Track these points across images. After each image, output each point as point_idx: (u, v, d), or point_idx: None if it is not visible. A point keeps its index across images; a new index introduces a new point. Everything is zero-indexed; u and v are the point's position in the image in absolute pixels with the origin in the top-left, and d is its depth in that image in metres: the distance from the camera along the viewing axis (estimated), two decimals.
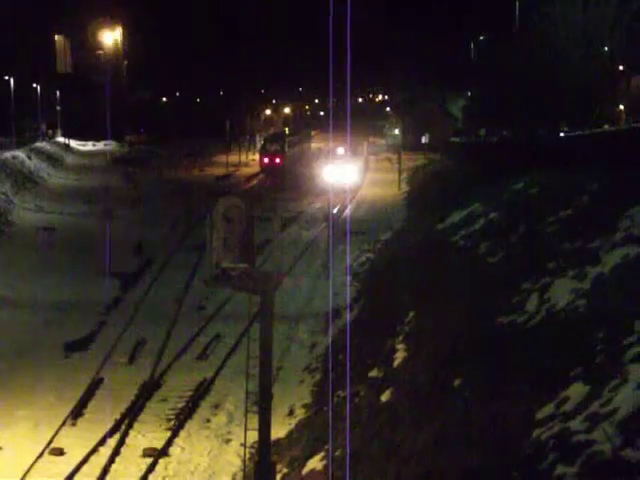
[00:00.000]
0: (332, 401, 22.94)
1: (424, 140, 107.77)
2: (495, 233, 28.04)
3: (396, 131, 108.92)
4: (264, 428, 13.78)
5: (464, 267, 26.25)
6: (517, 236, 25.49)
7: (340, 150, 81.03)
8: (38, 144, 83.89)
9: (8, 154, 68.15)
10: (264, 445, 13.85)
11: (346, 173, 49.22)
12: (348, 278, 36.16)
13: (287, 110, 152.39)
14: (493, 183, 38.97)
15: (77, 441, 23.09)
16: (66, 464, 21.65)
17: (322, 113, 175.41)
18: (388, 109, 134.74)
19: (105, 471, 21.30)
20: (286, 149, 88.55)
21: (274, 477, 14.60)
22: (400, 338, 23.70)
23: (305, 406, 24.60)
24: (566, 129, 55.38)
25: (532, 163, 36.60)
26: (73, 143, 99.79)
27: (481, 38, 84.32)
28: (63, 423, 24.35)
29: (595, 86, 50.82)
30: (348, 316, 30.56)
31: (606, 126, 53.79)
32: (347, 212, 60.32)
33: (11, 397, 26.42)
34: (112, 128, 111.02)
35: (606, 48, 52.44)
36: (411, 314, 25.20)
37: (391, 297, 30.01)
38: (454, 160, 71.19)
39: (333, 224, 50.25)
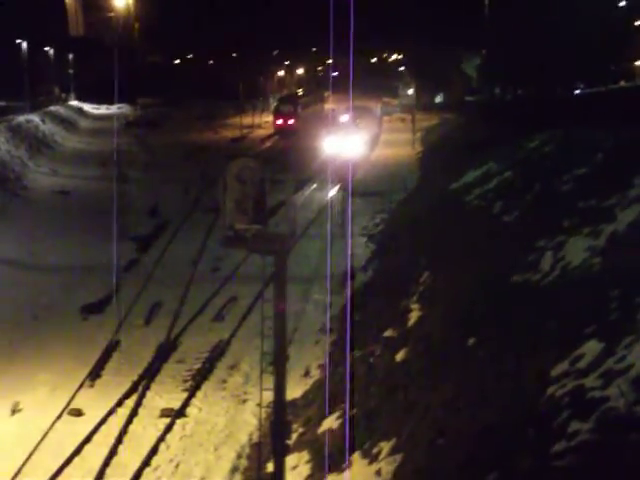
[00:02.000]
0: (349, 361, 23.07)
1: (438, 99, 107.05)
2: (510, 192, 27.91)
3: (410, 91, 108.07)
4: (279, 388, 13.86)
5: (478, 226, 26.17)
6: (532, 195, 25.36)
7: (344, 117, 70.63)
8: (52, 108, 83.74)
9: (22, 118, 68.11)
10: (280, 405, 13.95)
11: (350, 145, 41.66)
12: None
13: (300, 71, 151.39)
14: (508, 142, 38.70)
15: (95, 403, 23.36)
16: (85, 425, 21.94)
17: (336, 73, 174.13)
18: (402, 69, 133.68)
19: (123, 432, 21.56)
20: (300, 110, 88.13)
21: (290, 436, 14.72)
22: (415, 298, 23.72)
23: (320, 366, 24.75)
24: (582, 86, 54.85)
25: (547, 121, 36.30)
26: (86, 107, 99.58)
27: None
28: (81, 385, 24.62)
29: (611, 42, 50.17)
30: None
31: (622, 82, 53.22)
32: (361, 173, 60.11)
33: (30, 360, 26.70)
34: (125, 91, 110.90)
35: (623, 3, 51.71)
36: (425, 274, 25.19)
37: (405, 257, 30.00)
38: (468, 119, 70.68)
39: (347, 185, 50.10)
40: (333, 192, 43.52)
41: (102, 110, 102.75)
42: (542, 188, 25.23)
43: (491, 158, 36.24)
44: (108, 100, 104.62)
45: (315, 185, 48.57)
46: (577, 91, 52.88)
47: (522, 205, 24.94)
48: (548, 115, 39.54)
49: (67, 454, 20.20)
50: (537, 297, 16.67)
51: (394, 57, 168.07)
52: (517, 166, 31.54)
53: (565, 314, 14.45)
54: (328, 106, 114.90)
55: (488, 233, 24.46)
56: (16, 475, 19.33)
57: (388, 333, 22.47)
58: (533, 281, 17.79)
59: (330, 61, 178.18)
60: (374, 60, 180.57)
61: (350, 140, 41.43)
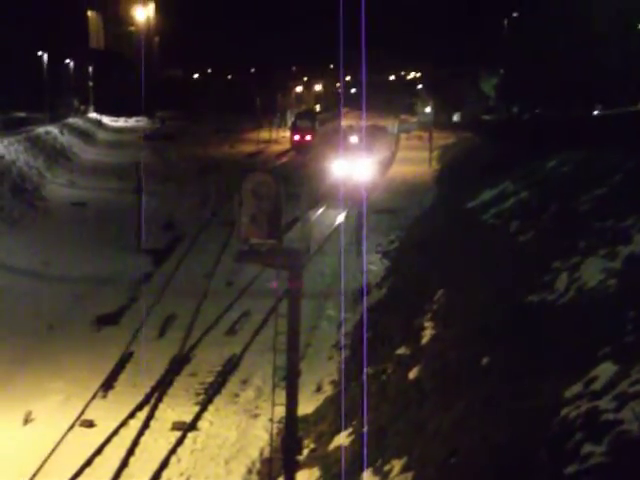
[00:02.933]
0: (363, 377, 23.02)
1: (455, 118, 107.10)
2: (526, 212, 27.86)
3: (427, 109, 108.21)
4: (291, 404, 13.87)
5: (494, 245, 26.12)
6: (548, 215, 25.31)
7: (354, 138, 67.44)
8: (71, 120, 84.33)
9: (41, 129, 68.60)
10: (291, 420, 13.94)
11: (360, 168, 38.83)
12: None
13: (318, 87, 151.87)
14: (525, 161, 38.67)
15: (107, 414, 23.38)
16: (96, 436, 21.95)
17: (354, 90, 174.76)
18: (420, 87, 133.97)
19: (135, 443, 21.56)
20: (317, 126, 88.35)
21: (301, 452, 14.70)
22: (428, 316, 23.67)
23: (333, 382, 24.69)
24: (600, 107, 54.75)
25: (565, 141, 36.25)
26: (105, 119, 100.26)
27: (514, 15, 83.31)
28: (94, 396, 24.67)
29: (631, 64, 50.07)
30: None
31: None
32: (377, 190, 60.19)
33: (43, 370, 26.80)
34: (144, 104, 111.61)
35: None
36: (440, 292, 25.14)
37: (420, 275, 29.96)
38: (485, 138, 70.69)
39: (363, 202, 50.14)
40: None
41: (120, 123, 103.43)
42: (559, 208, 25.18)
43: (508, 177, 36.22)
44: (127, 113, 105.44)
45: (326, 204, 48.69)
46: (595, 112, 52.82)
47: (538, 225, 24.89)
48: (566, 135, 39.48)
49: (78, 465, 20.21)
50: (552, 317, 16.60)
51: (412, 75, 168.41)
52: (534, 186, 31.50)
53: (580, 335, 14.38)
54: (345, 122, 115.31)
55: (504, 252, 24.41)
56: None
57: (401, 351, 22.42)
58: (548, 301, 17.72)
59: (348, 78, 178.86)
60: (392, 78, 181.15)
61: (360, 163, 39.61)
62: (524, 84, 61.79)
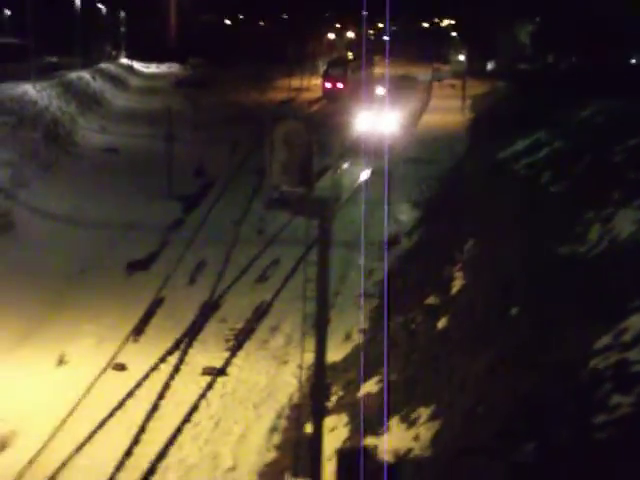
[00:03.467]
0: (388, 326, 23.11)
1: (490, 67, 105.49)
2: (559, 162, 27.52)
3: (461, 57, 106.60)
4: (320, 351, 13.93)
5: (526, 196, 25.89)
6: (582, 165, 24.99)
7: (379, 90, 64.09)
8: (103, 65, 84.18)
9: (73, 75, 68.57)
10: (320, 368, 14.02)
11: (385, 121, 36.86)
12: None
13: (350, 34, 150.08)
14: (560, 111, 38.10)
15: (139, 358, 23.75)
16: (128, 379, 22.33)
17: (386, 38, 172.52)
18: (454, 34, 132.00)
19: (166, 387, 21.91)
20: (349, 74, 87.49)
21: (329, 398, 14.83)
22: (458, 266, 23.62)
23: (362, 331, 24.80)
24: (637, 56, 53.71)
25: (601, 90, 35.64)
26: (137, 65, 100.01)
27: None
28: (126, 340, 25.03)
29: None
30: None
31: None
32: (407, 141, 59.74)
33: (77, 313, 27.21)
34: (176, 50, 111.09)
35: None
36: (470, 242, 25.04)
37: (451, 225, 29.83)
38: (520, 87, 69.63)
39: (395, 151, 49.78)
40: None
41: (152, 69, 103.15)
42: (592, 159, 24.85)
43: (541, 127, 35.72)
44: (158, 59, 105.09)
45: (355, 155, 48.33)
46: (633, 61, 51.84)
47: (571, 176, 24.60)
48: (602, 84, 38.79)
49: (110, 407, 20.59)
50: (583, 269, 16.49)
51: (446, 22, 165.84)
52: (568, 136, 31.06)
53: (611, 287, 14.30)
54: (378, 70, 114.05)
55: (536, 203, 24.19)
56: (61, 426, 19.75)
57: (430, 300, 22.45)
58: (580, 253, 17.60)
59: (381, 25, 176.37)
60: (426, 25, 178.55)
61: (385, 116, 37.37)
62: (560, 32, 60.67)
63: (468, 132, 60.17)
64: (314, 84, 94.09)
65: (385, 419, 16.11)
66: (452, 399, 15.44)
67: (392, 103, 48.33)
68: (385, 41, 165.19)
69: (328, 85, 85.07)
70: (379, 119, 37.04)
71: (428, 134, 62.12)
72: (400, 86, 74.03)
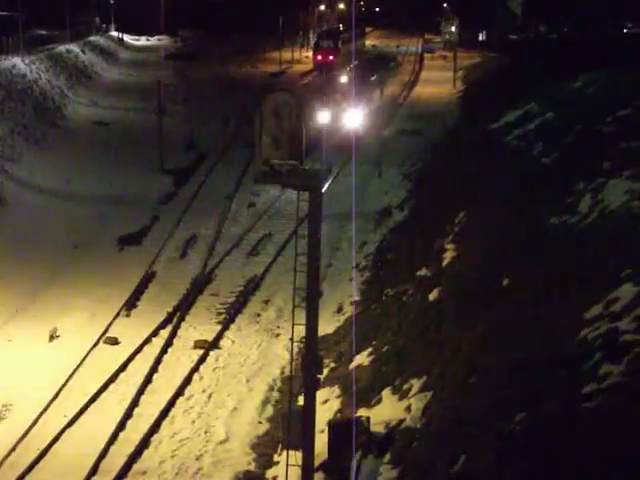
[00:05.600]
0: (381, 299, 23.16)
1: (481, 37, 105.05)
2: (550, 133, 27.49)
3: (452, 28, 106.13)
4: (312, 323, 13.95)
5: (517, 167, 25.88)
6: (572, 136, 24.97)
7: (343, 78, 55.14)
8: (92, 38, 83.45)
9: (62, 48, 67.98)
10: (311, 340, 14.05)
11: (349, 118, 28.35)
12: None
13: (341, 6, 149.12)
14: (551, 82, 38.01)
15: (131, 332, 23.78)
16: (121, 353, 22.37)
17: (377, 9, 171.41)
18: (445, 5, 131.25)
19: (158, 361, 21.95)
20: (340, 46, 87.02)
21: (321, 371, 14.86)
22: (449, 238, 23.63)
23: (353, 303, 24.84)
24: (630, 25, 53.49)
25: (593, 61, 35.55)
26: (126, 38, 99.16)
27: None
28: (117, 314, 25.04)
29: None
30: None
31: None
32: (401, 111, 59.60)
33: (69, 287, 27.21)
34: (165, 23, 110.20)
35: None
36: (461, 214, 25.05)
37: (442, 197, 29.82)
38: (511, 58, 69.43)
39: (387, 122, 49.64)
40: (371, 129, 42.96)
41: (142, 42, 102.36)
42: (583, 129, 24.82)
43: (533, 98, 35.65)
44: (148, 32, 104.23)
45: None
46: (625, 30, 51.60)
47: (562, 147, 24.59)
48: (594, 54, 38.69)
49: (103, 381, 20.63)
50: (574, 240, 16.52)
51: None
52: (559, 107, 31.01)
53: (601, 257, 14.33)
54: (369, 42, 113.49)
55: (527, 174, 24.18)
56: (53, 399, 19.80)
57: (422, 272, 22.47)
58: (570, 223, 17.62)
59: None
60: None
61: (349, 112, 28.96)
62: (551, 2, 60.39)
63: (459, 103, 60.03)
64: (305, 56, 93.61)
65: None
66: (444, 370, 15.50)
67: (359, 94, 42.00)
68: (377, 12, 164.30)
69: (319, 57, 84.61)
70: (340, 116, 29.83)
71: (419, 106, 61.93)
72: (371, 70, 66.01)
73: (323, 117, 13.56)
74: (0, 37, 53.24)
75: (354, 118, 12.50)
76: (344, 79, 49.16)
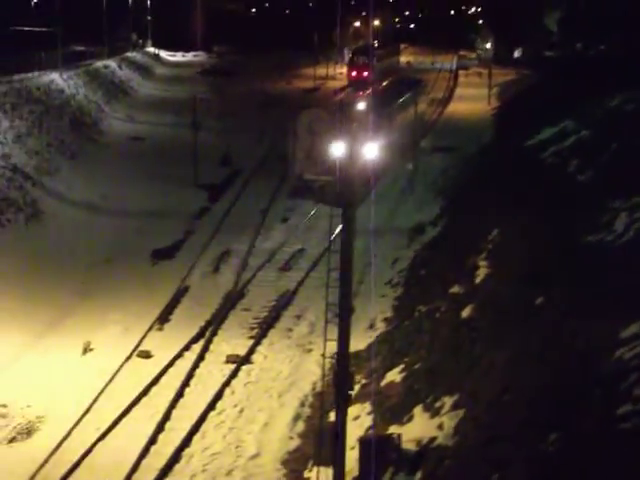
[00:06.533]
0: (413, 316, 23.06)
1: (517, 54, 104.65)
2: (586, 151, 27.29)
3: (488, 45, 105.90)
4: (343, 339, 13.93)
5: (552, 185, 25.70)
6: (609, 154, 24.76)
7: (361, 105, 45.05)
8: (129, 54, 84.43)
9: (100, 63, 68.86)
10: (343, 356, 14.02)
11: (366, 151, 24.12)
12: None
13: (377, 22, 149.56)
14: (587, 99, 37.75)
15: (163, 345, 23.86)
16: (153, 366, 22.45)
17: (412, 25, 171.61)
18: (481, 21, 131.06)
19: (190, 375, 22.00)
20: (374, 62, 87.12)
21: (352, 387, 14.82)
22: (483, 255, 23.50)
23: (386, 320, 24.76)
24: None
25: (630, 79, 35.24)
26: (163, 53, 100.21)
27: None
28: (150, 328, 25.15)
29: None
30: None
31: None
32: (435, 128, 59.51)
33: (103, 301, 27.37)
34: (201, 39, 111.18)
35: None
36: (495, 232, 24.91)
37: (475, 214, 29.67)
38: (547, 75, 69.09)
39: (420, 140, 49.55)
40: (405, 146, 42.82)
41: (178, 57, 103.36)
42: (619, 147, 24.60)
43: (569, 116, 35.43)
44: (184, 47, 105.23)
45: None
46: None
47: (598, 164, 24.39)
48: (631, 73, 38.34)
49: (135, 394, 20.72)
50: (609, 258, 16.35)
51: (473, 10, 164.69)
52: (595, 124, 30.79)
53: (637, 276, 14.15)
54: (404, 58, 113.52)
55: (562, 192, 24.02)
56: (86, 412, 19.91)
57: (454, 289, 22.36)
58: (606, 242, 17.45)
59: (407, 13, 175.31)
60: (453, 13, 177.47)
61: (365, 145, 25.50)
62: (589, 19, 60.03)
63: (494, 120, 59.81)
64: (339, 73, 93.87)
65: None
66: (476, 388, 15.38)
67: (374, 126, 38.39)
68: (411, 29, 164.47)
69: (354, 73, 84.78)
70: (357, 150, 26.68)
71: (454, 123, 61.80)
72: (393, 95, 58.87)
73: (337, 149, 13.31)
74: (39, 52, 53.97)
75: (371, 151, 11.91)
76: (361, 106, 43.61)
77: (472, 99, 73.54)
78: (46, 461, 17.80)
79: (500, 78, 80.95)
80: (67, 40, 61.28)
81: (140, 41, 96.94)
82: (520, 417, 12.42)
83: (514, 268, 19.91)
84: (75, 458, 17.81)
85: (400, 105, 53.97)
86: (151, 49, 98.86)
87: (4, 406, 20.12)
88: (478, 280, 21.70)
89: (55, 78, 53.76)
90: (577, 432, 10.62)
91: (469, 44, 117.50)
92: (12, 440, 18.82)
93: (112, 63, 72.98)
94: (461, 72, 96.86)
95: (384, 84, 69.69)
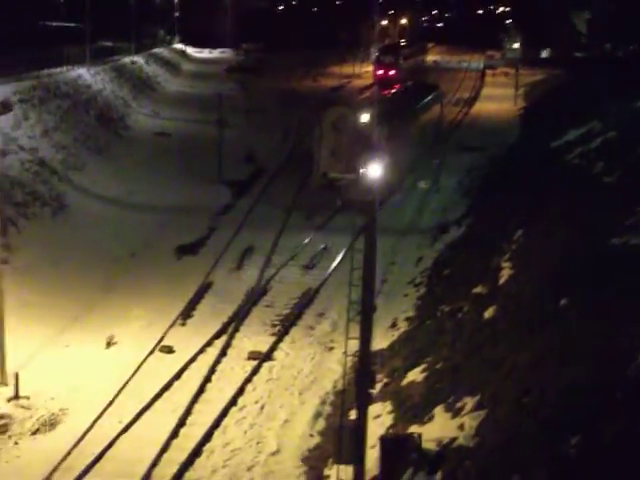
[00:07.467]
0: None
1: (544, 54, 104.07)
2: (612, 152, 27.10)
3: (515, 44, 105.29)
4: (365, 338, 13.93)
5: (578, 186, 25.55)
6: (635, 156, 24.58)
7: (364, 117, 20.64)
8: (156, 50, 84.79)
9: (127, 59, 69.25)
10: (365, 354, 14.02)
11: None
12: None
13: (404, 21, 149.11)
14: (614, 101, 37.49)
15: (186, 341, 23.97)
16: (175, 361, 22.56)
17: (440, 24, 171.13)
18: (509, 21, 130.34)
19: (212, 370, 22.08)
20: (401, 61, 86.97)
21: (374, 386, 14.82)
22: (507, 256, 23.40)
23: (408, 319, 24.72)
24: None
25: None
26: (190, 50, 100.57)
27: None
28: (173, 323, 25.27)
29: None
30: None
31: None
32: (460, 128, 59.32)
33: (127, 297, 27.54)
34: (228, 36, 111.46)
35: None
36: (519, 232, 24.80)
37: (500, 214, 29.56)
38: (575, 76, 68.65)
39: (446, 139, 49.45)
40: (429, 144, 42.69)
41: (205, 54, 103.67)
42: None
43: (596, 117, 35.21)
44: (211, 44, 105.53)
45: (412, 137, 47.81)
46: None
47: (624, 166, 24.22)
48: None
49: (157, 388, 20.83)
50: (634, 261, 16.23)
51: (501, 9, 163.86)
52: (622, 126, 30.56)
53: None
54: (431, 57, 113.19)
55: (587, 193, 23.87)
56: (109, 405, 20.04)
57: (478, 290, 22.28)
58: (632, 244, 17.31)
59: (435, 12, 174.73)
60: (480, 12, 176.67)
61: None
62: (617, 19, 59.57)
63: (520, 121, 59.53)
64: (365, 71, 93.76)
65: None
66: (498, 389, 15.32)
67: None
68: (439, 28, 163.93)
69: (380, 72, 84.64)
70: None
71: (480, 123, 61.59)
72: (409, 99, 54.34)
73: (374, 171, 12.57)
74: (67, 48, 54.34)
75: (375, 171, 11.10)
76: (365, 118, 36.53)
77: (499, 99, 73.23)
78: (69, 453, 17.93)
79: (527, 78, 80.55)
80: (95, 36, 61.65)
81: (168, 37, 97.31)
82: (542, 419, 12.35)
83: (538, 269, 19.81)
84: (97, 450, 17.94)
85: (422, 107, 53.39)
86: (178, 45, 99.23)
87: (28, 398, 20.29)
88: (502, 281, 21.62)
89: (83, 73, 54.12)
90: (600, 436, 10.55)
91: (497, 44, 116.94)
92: (36, 432, 18.98)
93: (139, 59, 73.34)
94: (488, 72, 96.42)
95: (393, 92, 68.33)
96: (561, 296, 16.54)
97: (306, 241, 33.35)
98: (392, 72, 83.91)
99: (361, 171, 13.64)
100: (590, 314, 14.69)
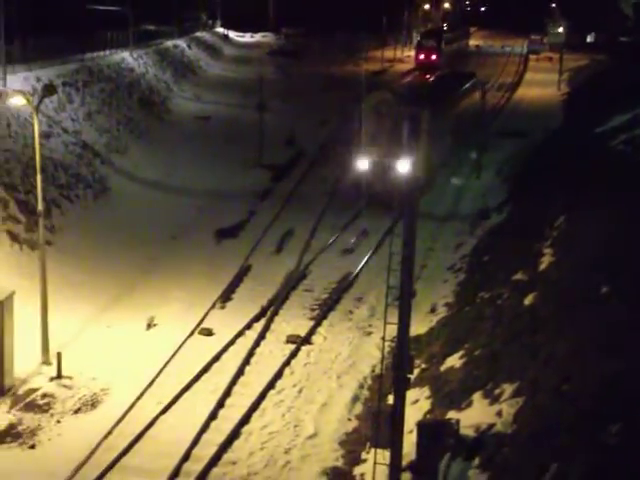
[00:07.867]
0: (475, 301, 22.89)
1: (589, 39, 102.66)
2: None
3: (560, 29, 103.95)
4: (404, 323, 13.91)
5: (622, 173, 25.22)
6: None
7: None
8: (198, 34, 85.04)
9: (170, 43, 69.55)
10: (403, 339, 14.01)
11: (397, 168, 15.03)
12: None
13: (446, 5, 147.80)
14: None
15: (225, 323, 24.13)
16: (215, 344, 22.73)
17: (483, 9, 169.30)
18: (553, 5, 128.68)
19: (251, 353, 22.22)
20: (443, 46, 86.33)
21: (412, 371, 14.80)
22: (548, 242, 23.20)
23: (447, 305, 24.65)
24: None
25: None
26: (232, 34, 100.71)
27: None
28: (213, 306, 25.45)
29: None
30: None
31: None
32: (503, 112, 58.78)
33: (167, 279, 27.78)
34: (270, 20, 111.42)
35: None
36: (561, 219, 24.56)
37: (542, 200, 29.29)
38: (620, 61, 67.63)
39: (488, 125, 48.98)
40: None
41: (247, 38, 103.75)
42: None
43: None
44: (253, 28, 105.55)
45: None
46: None
47: None
48: None
49: (197, 370, 21.02)
50: None
51: None
52: None
53: None
54: (473, 42, 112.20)
55: (631, 180, 23.55)
56: (149, 386, 20.27)
57: (518, 276, 22.13)
58: None
59: None
60: None
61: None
62: None
63: (564, 106, 58.85)
64: (407, 55, 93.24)
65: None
66: (537, 376, 15.24)
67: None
68: (482, 12, 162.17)
69: (421, 57, 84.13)
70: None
71: (522, 108, 60.98)
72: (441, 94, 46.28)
73: (362, 164, 12.37)
74: (111, 32, 54.73)
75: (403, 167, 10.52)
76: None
77: (542, 84, 72.44)
78: (110, 432, 18.18)
79: (571, 63, 79.56)
80: (138, 20, 61.97)
81: (210, 21, 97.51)
82: (581, 407, 12.28)
83: (580, 256, 19.62)
84: (138, 430, 18.16)
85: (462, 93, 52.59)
86: (220, 29, 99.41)
87: (70, 378, 20.61)
88: (542, 267, 21.45)
89: (125, 57, 54.49)
90: (639, 424, 10.46)
91: (540, 28, 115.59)
92: (77, 411, 19.27)
93: (181, 43, 73.63)
94: (531, 57, 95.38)
95: (432, 79, 66.60)
96: (603, 283, 16.38)
97: (345, 225, 33.28)
98: (434, 57, 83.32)
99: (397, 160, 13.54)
100: (631, 302, 14.54)
